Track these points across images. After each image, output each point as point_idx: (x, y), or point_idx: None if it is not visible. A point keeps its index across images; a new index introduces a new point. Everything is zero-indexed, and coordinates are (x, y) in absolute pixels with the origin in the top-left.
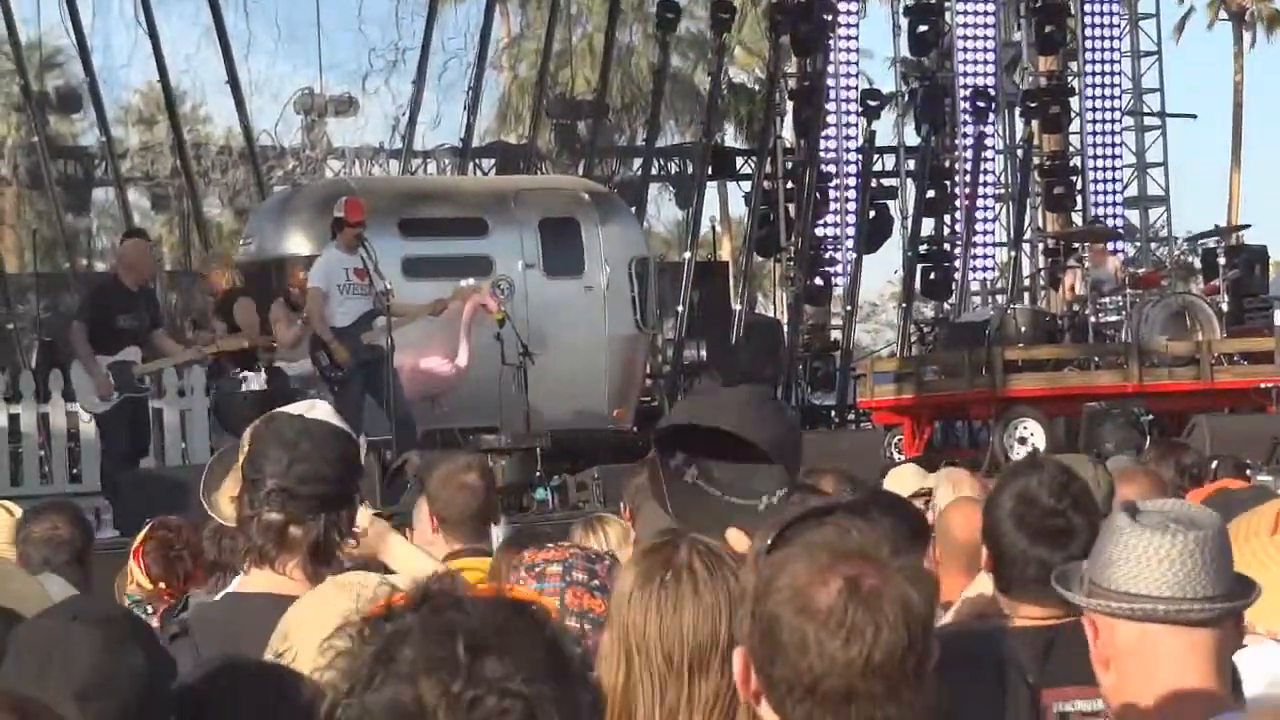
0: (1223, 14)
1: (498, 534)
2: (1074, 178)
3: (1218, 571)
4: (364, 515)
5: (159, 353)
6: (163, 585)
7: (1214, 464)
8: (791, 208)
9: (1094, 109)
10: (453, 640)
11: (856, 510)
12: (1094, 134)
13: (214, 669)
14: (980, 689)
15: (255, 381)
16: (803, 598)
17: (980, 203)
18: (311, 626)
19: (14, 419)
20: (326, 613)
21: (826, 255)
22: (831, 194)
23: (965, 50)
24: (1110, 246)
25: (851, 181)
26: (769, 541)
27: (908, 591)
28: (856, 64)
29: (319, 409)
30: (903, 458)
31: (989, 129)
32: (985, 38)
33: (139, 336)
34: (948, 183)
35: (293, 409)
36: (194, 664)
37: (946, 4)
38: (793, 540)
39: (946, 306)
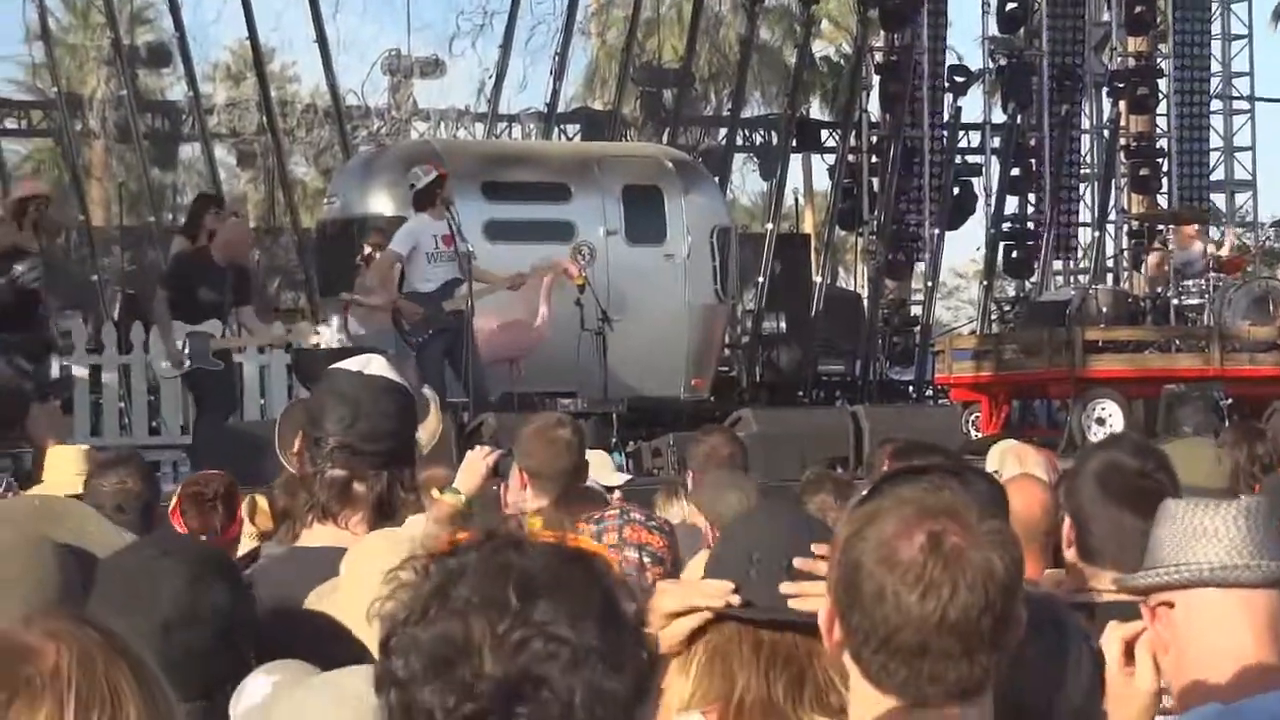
0: None
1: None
2: (1160, 160)
3: (1264, 540)
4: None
5: (245, 329)
6: (203, 537)
7: None
8: (875, 182)
9: (1182, 91)
10: (506, 581)
11: (953, 472)
12: (1181, 116)
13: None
14: (1039, 649)
15: (332, 337)
16: (885, 549)
17: (1065, 182)
18: (363, 573)
19: (95, 370)
20: (378, 562)
21: (909, 230)
22: (915, 169)
23: (1054, 29)
24: (1212, 231)
25: (936, 158)
26: (864, 493)
27: (990, 554)
28: (944, 40)
29: (375, 363)
30: (979, 435)
31: (1076, 108)
32: (1074, 16)
33: (221, 310)
34: (1032, 161)
35: (350, 364)
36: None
37: None
38: (886, 493)
39: (1028, 285)
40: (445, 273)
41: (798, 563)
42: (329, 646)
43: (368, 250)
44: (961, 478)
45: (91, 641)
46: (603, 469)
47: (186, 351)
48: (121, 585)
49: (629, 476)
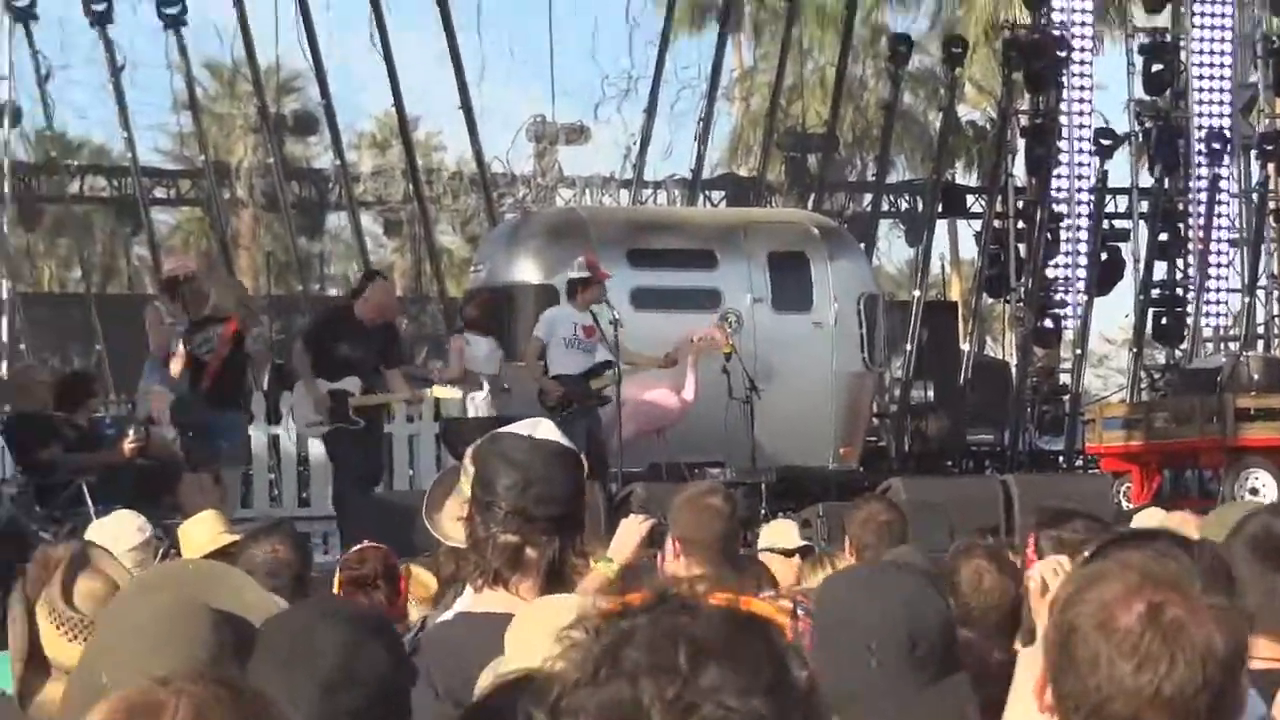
0: None
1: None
2: None
3: None
4: None
5: (386, 389)
6: None
7: None
8: (1022, 247)
9: None
10: (677, 645)
11: (1180, 542)
12: None
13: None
14: None
15: (482, 406)
16: (1104, 614)
17: (1214, 247)
18: (528, 646)
19: (245, 441)
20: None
21: (1057, 297)
22: (1063, 234)
23: (1201, 90)
24: None
25: (1083, 222)
26: (1089, 554)
27: (1212, 630)
28: (1090, 102)
29: (544, 427)
30: (1131, 506)
31: (1224, 171)
32: (1221, 78)
33: (362, 369)
34: (1181, 226)
35: (518, 428)
36: (424, 682)
37: (1182, 44)
38: (1111, 556)
39: (1178, 352)
40: (582, 361)
41: None
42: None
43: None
44: (1189, 548)
45: (213, 697)
46: (787, 534)
47: (327, 409)
48: (283, 646)
49: (807, 543)
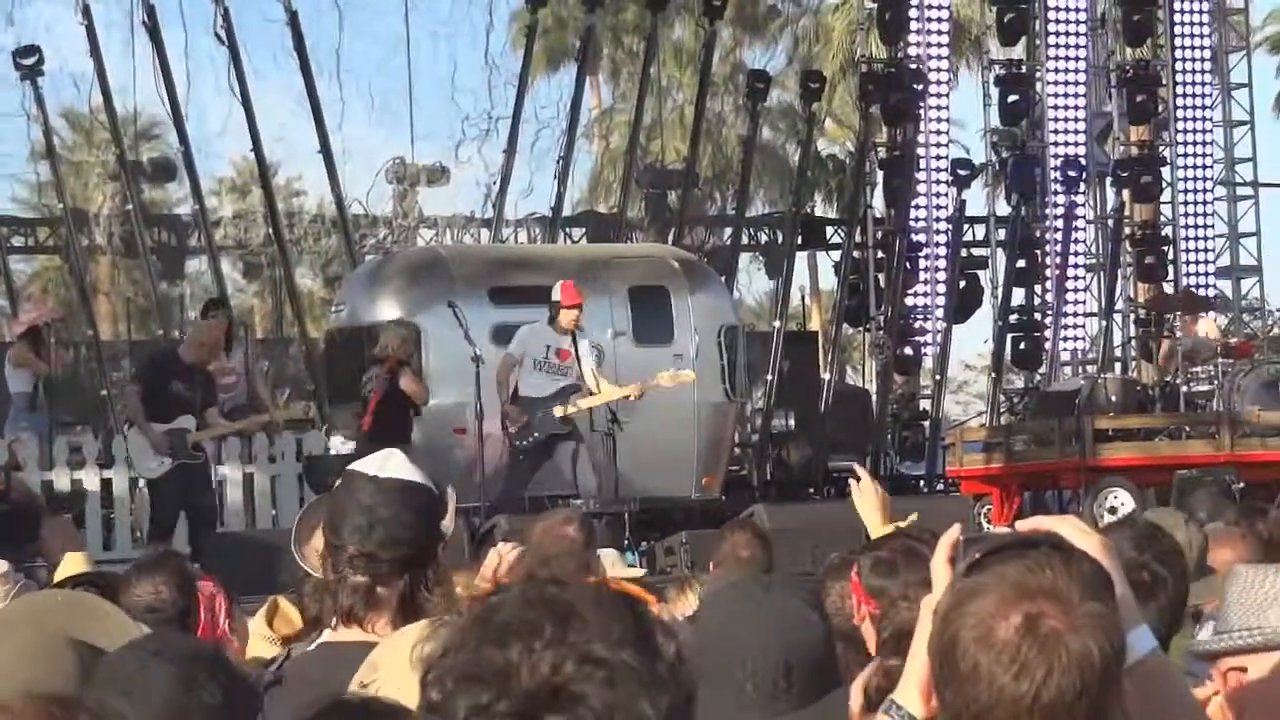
0: None
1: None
2: (1165, 248)
3: None
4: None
5: (212, 427)
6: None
7: None
8: (881, 277)
9: (1186, 179)
10: (545, 607)
11: (1061, 549)
12: (1186, 204)
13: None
14: None
15: (345, 445)
16: (983, 628)
17: (1071, 273)
18: (398, 655)
19: (106, 483)
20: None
21: (916, 325)
22: (921, 264)
23: (1056, 120)
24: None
25: (942, 251)
26: (968, 565)
27: (1088, 638)
28: (947, 134)
29: (393, 460)
30: (991, 528)
31: (1080, 199)
32: (1076, 107)
33: (193, 407)
34: (1038, 253)
35: (368, 464)
36: (286, 711)
37: (1037, 74)
38: (990, 568)
39: (1036, 377)
40: (548, 385)
41: None
42: None
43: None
44: (1066, 557)
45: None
46: (615, 565)
47: (167, 448)
48: (115, 685)
49: (642, 571)
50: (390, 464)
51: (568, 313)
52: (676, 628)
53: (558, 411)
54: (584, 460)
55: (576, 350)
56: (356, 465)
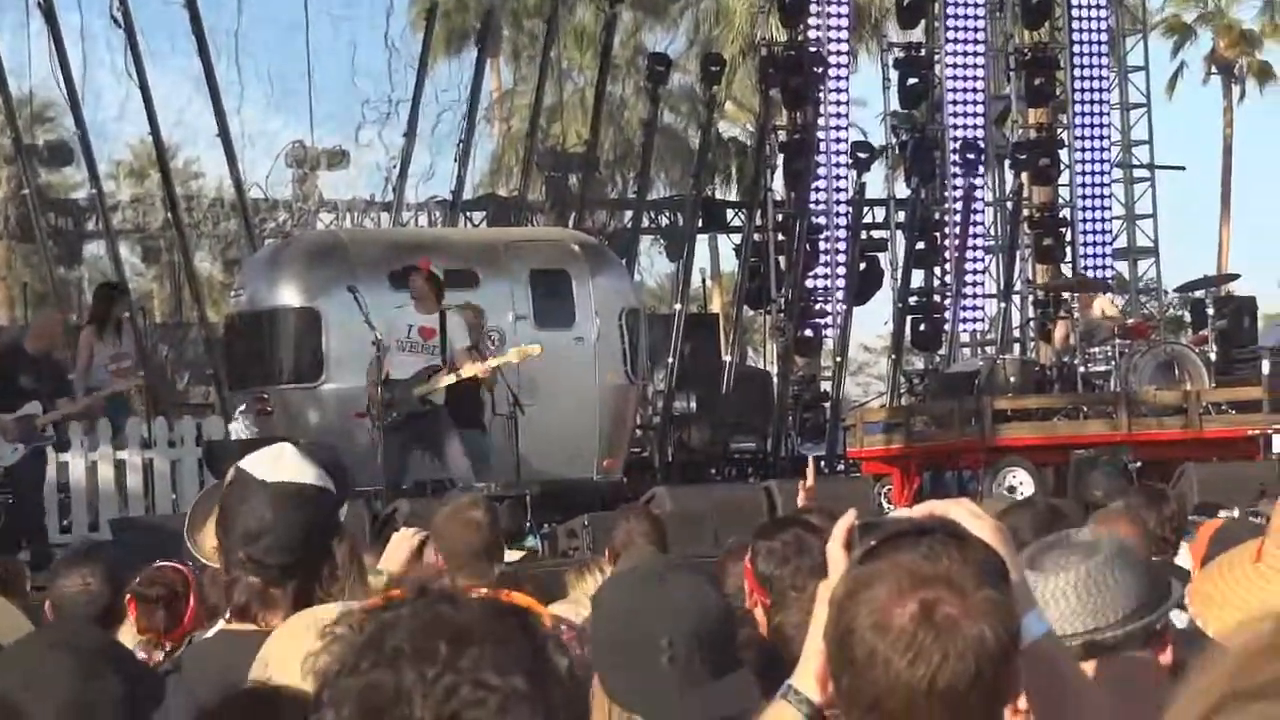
0: (1213, 68)
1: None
2: (1063, 229)
3: (1100, 603)
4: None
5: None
6: (144, 637)
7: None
8: (782, 260)
9: (1083, 161)
10: (438, 632)
11: (956, 535)
12: (1083, 186)
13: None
14: None
15: (245, 430)
16: (879, 614)
17: (970, 254)
18: (288, 652)
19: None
20: (302, 641)
21: (816, 307)
22: (821, 246)
23: (955, 103)
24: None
25: (841, 234)
26: (863, 553)
27: (983, 624)
28: (847, 117)
29: (285, 455)
30: (892, 507)
31: (979, 181)
32: (975, 90)
33: (39, 395)
34: (937, 235)
35: (259, 460)
36: (186, 697)
37: (936, 57)
38: (885, 555)
39: (936, 358)
40: (413, 365)
41: None
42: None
43: None
44: (961, 543)
45: None
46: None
47: (18, 432)
48: (13, 678)
49: (521, 554)
50: (282, 465)
51: (414, 286)
52: (568, 641)
53: (416, 391)
54: (454, 443)
55: (444, 326)
56: (247, 464)
